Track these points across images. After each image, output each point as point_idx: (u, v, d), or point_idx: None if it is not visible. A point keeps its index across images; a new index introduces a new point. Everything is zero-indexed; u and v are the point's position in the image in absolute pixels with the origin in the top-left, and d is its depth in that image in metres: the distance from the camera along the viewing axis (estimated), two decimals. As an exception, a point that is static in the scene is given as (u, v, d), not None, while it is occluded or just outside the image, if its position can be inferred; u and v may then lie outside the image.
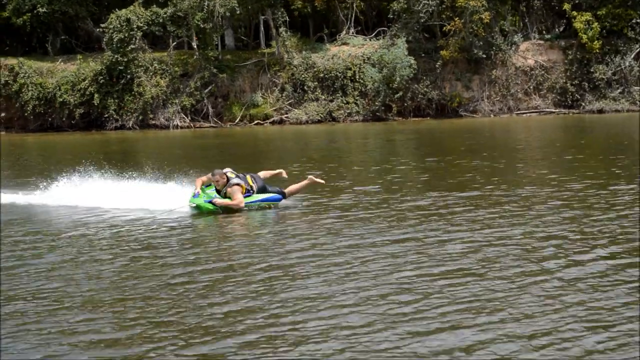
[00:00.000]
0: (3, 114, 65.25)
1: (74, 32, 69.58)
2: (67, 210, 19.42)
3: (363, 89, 62.55)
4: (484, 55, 62.44)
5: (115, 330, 9.47)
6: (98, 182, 21.27)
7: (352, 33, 67.00)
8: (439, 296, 10.55)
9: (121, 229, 16.74)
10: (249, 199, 18.91)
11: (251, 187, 18.98)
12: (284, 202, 19.25)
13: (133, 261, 13.36)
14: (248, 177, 19.16)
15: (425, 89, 62.66)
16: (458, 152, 33.76)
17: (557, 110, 62.71)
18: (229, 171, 18.99)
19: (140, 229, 16.68)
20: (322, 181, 20.02)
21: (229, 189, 18.58)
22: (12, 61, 65.20)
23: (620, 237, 14.09)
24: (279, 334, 9.11)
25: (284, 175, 19.85)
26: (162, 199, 19.29)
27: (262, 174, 19.74)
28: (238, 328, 9.39)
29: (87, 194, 20.34)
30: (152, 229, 16.73)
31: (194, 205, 18.69)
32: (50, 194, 20.96)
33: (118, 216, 18.33)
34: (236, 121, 62.87)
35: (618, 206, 17.17)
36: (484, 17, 61.22)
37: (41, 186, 21.31)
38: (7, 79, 64.43)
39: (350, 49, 64.62)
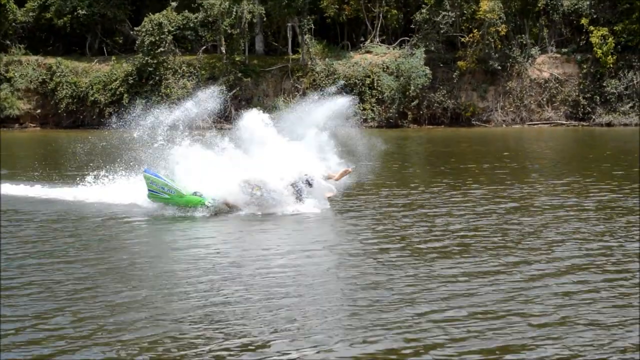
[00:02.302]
0: (39, 111, 68.61)
1: (112, 34, 72.69)
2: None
3: (380, 96, 64.73)
4: (500, 67, 64.28)
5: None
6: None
7: (377, 42, 69.12)
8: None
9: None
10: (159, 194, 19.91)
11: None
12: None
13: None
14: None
15: (441, 97, 64.66)
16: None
17: (567, 122, 64.27)
18: None
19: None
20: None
21: None
22: (51, 60, 68.67)
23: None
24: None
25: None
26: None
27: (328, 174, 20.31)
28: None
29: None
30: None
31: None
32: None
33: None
34: (257, 124, 65.33)
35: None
36: (500, 29, 63.18)
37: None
38: (44, 77, 67.86)
39: (372, 57, 66.85)
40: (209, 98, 23.38)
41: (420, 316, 10.54)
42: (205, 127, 63.62)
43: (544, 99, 65.12)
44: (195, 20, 66.07)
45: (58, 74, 67.31)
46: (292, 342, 9.53)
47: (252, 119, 21.22)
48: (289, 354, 9.15)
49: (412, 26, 66.99)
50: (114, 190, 22.22)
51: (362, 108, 64.39)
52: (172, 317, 10.64)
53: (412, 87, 62.99)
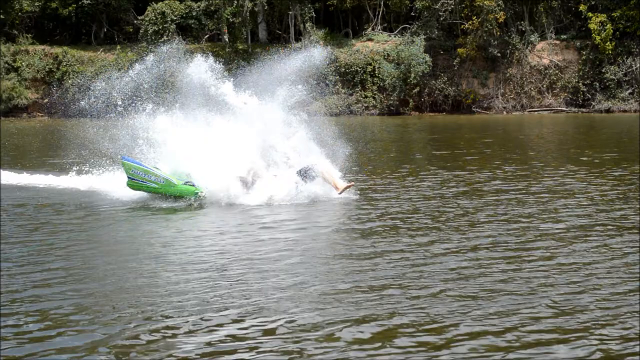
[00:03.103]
0: (46, 100, 69.72)
1: (117, 23, 73.65)
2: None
3: (381, 84, 65.43)
4: (499, 54, 64.81)
5: None
6: None
7: (379, 29, 69.79)
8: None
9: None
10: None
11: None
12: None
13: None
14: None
15: (442, 85, 65.32)
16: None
17: (567, 109, 64.78)
18: None
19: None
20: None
21: None
22: (57, 50, 69.77)
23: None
24: None
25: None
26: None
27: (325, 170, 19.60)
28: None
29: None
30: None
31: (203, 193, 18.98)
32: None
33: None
34: (259, 111, 66.24)
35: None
36: (498, 16, 63.67)
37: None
38: (51, 66, 68.98)
39: (374, 45, 67.55)
40: (172, 54, 22.71)
41: (304, 289, 11.26)
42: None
43: (544, 86, 65.66)
44: (197, 9, 66.93)
45: (64, 64, 68.39)
46: (178, 311, 10.27)
47: (200, 70, 20.18)
48: (158, 322, 9.91)
49: (412, 14, 67.67)
50: (91, 179, 22.49)
51: (363, 96, 65.28)
52: (83, 293, 11.39)
53: (413, 75, 63.71)
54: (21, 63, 69.15)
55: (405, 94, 65.08)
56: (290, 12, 68.35)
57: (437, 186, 21.76)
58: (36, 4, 70.90)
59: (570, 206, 17.97)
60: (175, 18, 66.24)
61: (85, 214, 18.37)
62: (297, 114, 20.66)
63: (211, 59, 20.36)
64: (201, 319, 9.98)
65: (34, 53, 69.91)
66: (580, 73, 64.94)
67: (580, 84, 64.71)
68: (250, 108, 20.24)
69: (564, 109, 64.89)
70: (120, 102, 21.19)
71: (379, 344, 9.02)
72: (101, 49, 69.91)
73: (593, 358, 8.57)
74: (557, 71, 65.38)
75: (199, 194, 18.84)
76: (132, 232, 16.49)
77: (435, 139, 42.08)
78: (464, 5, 65.46)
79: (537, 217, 16.63)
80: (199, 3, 67.18)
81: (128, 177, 19.67)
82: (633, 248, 13.52)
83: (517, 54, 65.35)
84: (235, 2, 65.39)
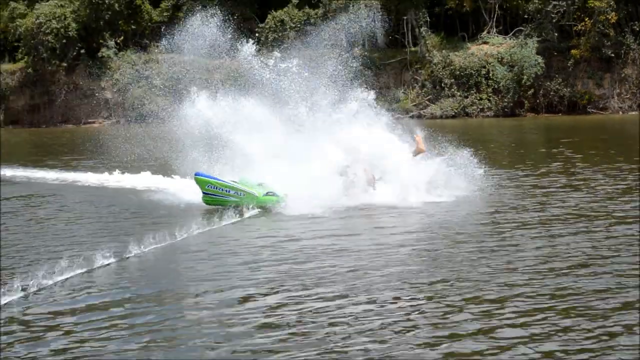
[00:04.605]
0: (175, 107, 72.97)
1: (242, 32, 76.42)
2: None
3: (496, 86, 66.29)
4: (613, 55, 64.79)
5: None
6: None
7: (494, 32, 70.65)
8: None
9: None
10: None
11: None
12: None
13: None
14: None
15: (557, 86, 65.72)
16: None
17: (686, 108, 64.38)
18: None
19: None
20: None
21: None
22: (186, 58, 72.89)
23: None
24: None
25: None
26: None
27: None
28: None
29: None
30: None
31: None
32: None
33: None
34: (378, 115, 67.95)
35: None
36: (610, 17, 63.73)
37: None
38: (179, 74, 72.24)
39: (488, 48, 68.46)
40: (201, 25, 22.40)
41: (258, 265, 13.07)
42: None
43: (661, 86, 65.31)
44: (315, 16, 69.07)
45: (191, 71, 71.43)
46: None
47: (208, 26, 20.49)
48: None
49: (525, 16, 68.35)
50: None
51: (478, 98, 66.30)
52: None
53: (526, 77, 64.42)
54: (152, 71, 72.53)
55: (519, 95, 65.82)
56: (405, 17, 69.85)
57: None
58: (164, 14, 74.28)
59: (566, 199, 18.96)
60: (294, 25, 68.55)
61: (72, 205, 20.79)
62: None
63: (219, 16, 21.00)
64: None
65: (164, 61, 73.23)
66: (698, 73, 64.46)
67: (697, 84, 64.26)
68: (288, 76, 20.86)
69: (683, 108, 64.50)
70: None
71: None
72: (226, 57, 72.62)
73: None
74: (673, 71, 65.03)
75: (282, 204, 18.79)
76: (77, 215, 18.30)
77: (518, 139, 42.89)
78: (575, 7, 65.70)
79: (523, 208, 17.77)
80: (316, 10, 69.32)
81: (203, 193, 19.73)
82: (578, 235, 14.65)
83: (631, 54, 65.20)
84: (351, 7, 67.25)
